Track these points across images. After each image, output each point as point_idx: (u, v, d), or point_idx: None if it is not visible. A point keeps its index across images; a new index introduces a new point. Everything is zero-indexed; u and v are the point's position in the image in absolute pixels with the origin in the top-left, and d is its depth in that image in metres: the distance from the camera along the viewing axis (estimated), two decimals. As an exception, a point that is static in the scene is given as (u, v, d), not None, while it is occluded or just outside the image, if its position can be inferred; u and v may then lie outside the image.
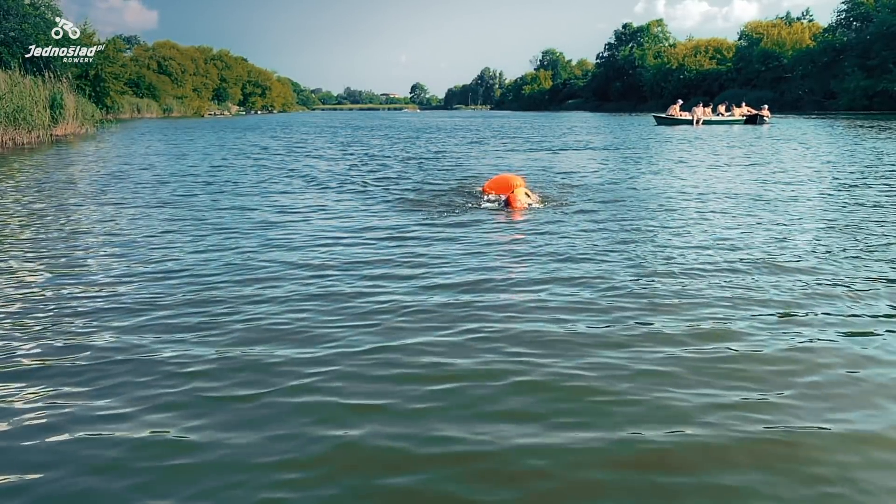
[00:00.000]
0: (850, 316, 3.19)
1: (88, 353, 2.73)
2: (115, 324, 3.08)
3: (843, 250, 4.55)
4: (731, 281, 3.76)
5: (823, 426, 2.13)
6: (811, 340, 2.86)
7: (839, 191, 7.74)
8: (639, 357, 2.66)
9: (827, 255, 4.41)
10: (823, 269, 4.02)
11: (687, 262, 4.20)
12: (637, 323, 3.07)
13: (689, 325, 3.03)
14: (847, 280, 3.79)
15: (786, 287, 3.64)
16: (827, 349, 2.77)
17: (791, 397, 2.33)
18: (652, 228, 5.37)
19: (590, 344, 2.81)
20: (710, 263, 4.15)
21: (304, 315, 3.19)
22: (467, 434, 2.07)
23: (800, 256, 4.35)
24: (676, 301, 3.38)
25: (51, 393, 2.38)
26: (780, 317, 3.16)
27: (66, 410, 2.24)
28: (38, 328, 3.02)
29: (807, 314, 3.20)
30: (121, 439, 2.05)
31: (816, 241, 4.84)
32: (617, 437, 2.05)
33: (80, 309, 3.29)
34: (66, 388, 2.41)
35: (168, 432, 2.09)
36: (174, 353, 2.71)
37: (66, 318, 3.15)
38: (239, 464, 1.92)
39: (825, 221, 5.70)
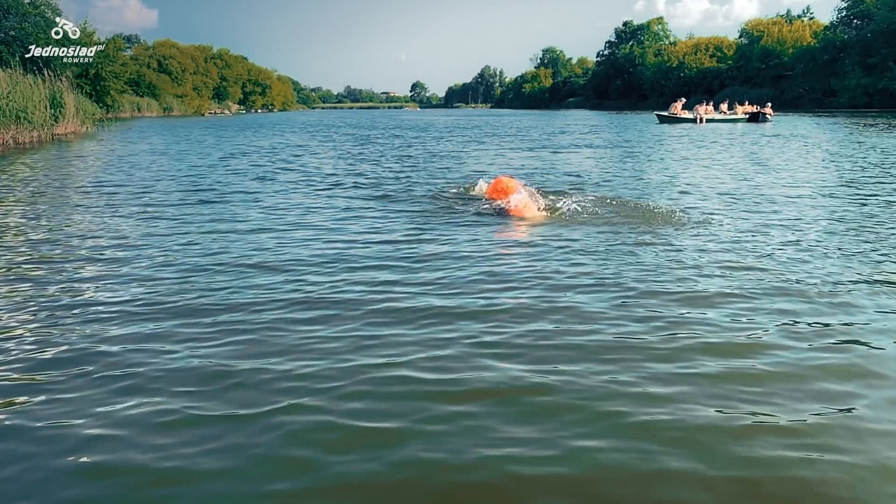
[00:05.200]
0: (861, 325, 3.16)
1: (71, 360, 2.69)
2: (107, 331, 3.04)
3: (857, 258, 4.52)
4: (742, 290, 3.73)
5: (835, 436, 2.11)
6: (823, 351, 2.84)
7: (853, 193, 7.70)
8: (651, 374, 2.64)
9: (843, 265, 4.38)
10: (838, 278, 3.99)
11: (693, 269, 4.15)
12: (646, 338, 3.04)
13: (695, 340, 3.00)
14: (862, 287, 3.76)
15: (801, 297, 3.61)
16: (838, 360, 2.74)
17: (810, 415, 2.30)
18: (658, 233, 5.29)
19: (598, 362, 2.78)
20: (717, 269, 4.11)
21: (296, 330, 3.13)
22: (471, 460, 2.02)
23: (814, 265, 4.28)
24: (683, 314, 3.35)
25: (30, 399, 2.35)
26: (793, 329, 3.13)
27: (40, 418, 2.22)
28: (22, 333, 2.99)
29: (815, 322, 3.18)
30: (101, 461, 2.02)
31: (830, 246, 4.80)
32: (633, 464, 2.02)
33: (65, 317, 3.25)
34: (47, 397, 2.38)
35: (154, 452, 2.06)
36: (164, 366, 2.68)
37: (51, 324, 3.12)
38: (232, 489, 1.89)
39: (842, 224, 5.66)
